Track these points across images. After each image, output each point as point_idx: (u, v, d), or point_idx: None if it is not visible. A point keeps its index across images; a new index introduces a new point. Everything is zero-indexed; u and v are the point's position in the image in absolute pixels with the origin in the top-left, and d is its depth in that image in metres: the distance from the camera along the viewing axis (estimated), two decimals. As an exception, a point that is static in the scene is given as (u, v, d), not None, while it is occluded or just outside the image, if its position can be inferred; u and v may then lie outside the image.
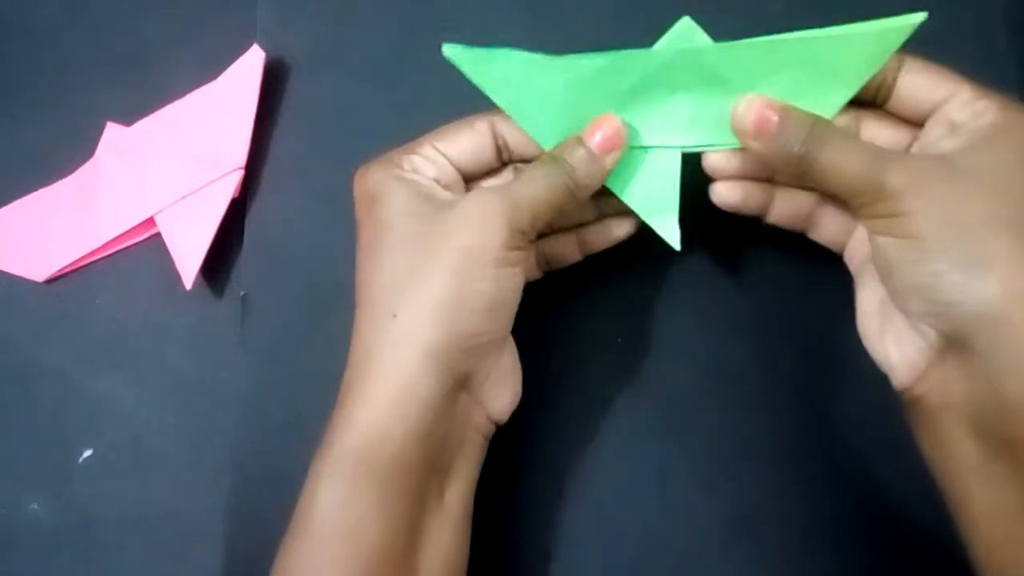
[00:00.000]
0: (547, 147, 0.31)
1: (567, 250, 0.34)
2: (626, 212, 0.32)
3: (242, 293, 0.38)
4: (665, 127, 0.31)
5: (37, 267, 0.40)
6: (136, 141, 0.41)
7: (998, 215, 0.26)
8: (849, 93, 0.29)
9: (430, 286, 0.28)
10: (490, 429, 0.31)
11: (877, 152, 0.28)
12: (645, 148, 0.31)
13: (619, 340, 0.36)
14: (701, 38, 0.30)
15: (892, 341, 0.29)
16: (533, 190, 0.29)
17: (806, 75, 0.29)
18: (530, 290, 0.34)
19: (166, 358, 0.39)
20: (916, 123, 0.30)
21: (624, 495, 0.35)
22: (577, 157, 0.29)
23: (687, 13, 0.30)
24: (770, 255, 0.36)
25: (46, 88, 0.43)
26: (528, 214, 0.29)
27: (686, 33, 0.30)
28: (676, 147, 0.31)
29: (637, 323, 0.36)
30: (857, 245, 0.31)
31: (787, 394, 0.35)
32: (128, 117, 0.41)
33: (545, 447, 0.35)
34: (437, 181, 0.30)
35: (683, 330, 0.36)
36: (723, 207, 0.32)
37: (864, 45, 0.28)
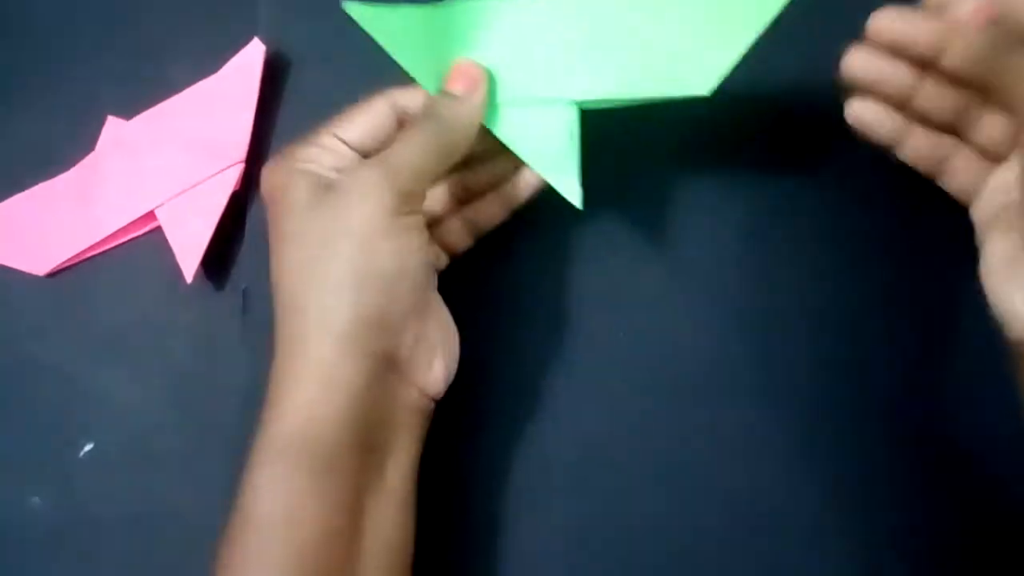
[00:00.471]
0: (433, 91, 0.31)
1: (491, 211, 0.34)
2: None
3: (243, 287, 0.38)
4: (559, 78, 0.30)
5: (38, 261, 0.40)
6: (137, 135, 0.40)
7: None
8: (747, 40, 0.27)
9: (327, 272, 0.28)
10: (426, 404, 0.30)
11: None
12: (541, 103, 0.31)
13: (621, 334, 0.36)
14: None
15: (1019, 293, 0.27)
16: (410, 148, 0.29)
17: (699, 19, 0.28)
18: (525, 285, 0.34)
19: (167, 352, 0.39)
20: None
21: (620, 490, 0.35)
22: (445, 105, 0.30)
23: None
24: (769, 245, 0.36)
25: (47, 82, 0.43)
26: (409, 173, 0.29)
27: None
28: (570, 100, 0.30)
29: (632, 315, 0.36)
30: (990, 197, 0.29)
31: (785, 387, 0.35)
32: (129, 111, 0.41)
33: (537, 441, 0.35)
34: (336, 169, 0.30)
35: (679, 323, 0.36)
36: (857, 126, 0.30)
37: None
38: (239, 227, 0.39)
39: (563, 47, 0.30)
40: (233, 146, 0.39)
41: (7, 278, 0.40)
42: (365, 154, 0.31)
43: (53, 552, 0.37)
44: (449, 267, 0.34)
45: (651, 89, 0.29)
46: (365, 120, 0.31)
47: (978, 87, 0.28)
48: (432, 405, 0.31)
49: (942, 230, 0.32)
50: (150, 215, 0.39)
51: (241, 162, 0.39)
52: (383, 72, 0.40)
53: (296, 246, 0.29)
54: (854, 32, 0.28)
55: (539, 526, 0.34)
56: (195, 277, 0.38)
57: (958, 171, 0.30)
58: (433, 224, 0.33)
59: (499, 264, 0.36)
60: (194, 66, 0.41)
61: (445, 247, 0.34)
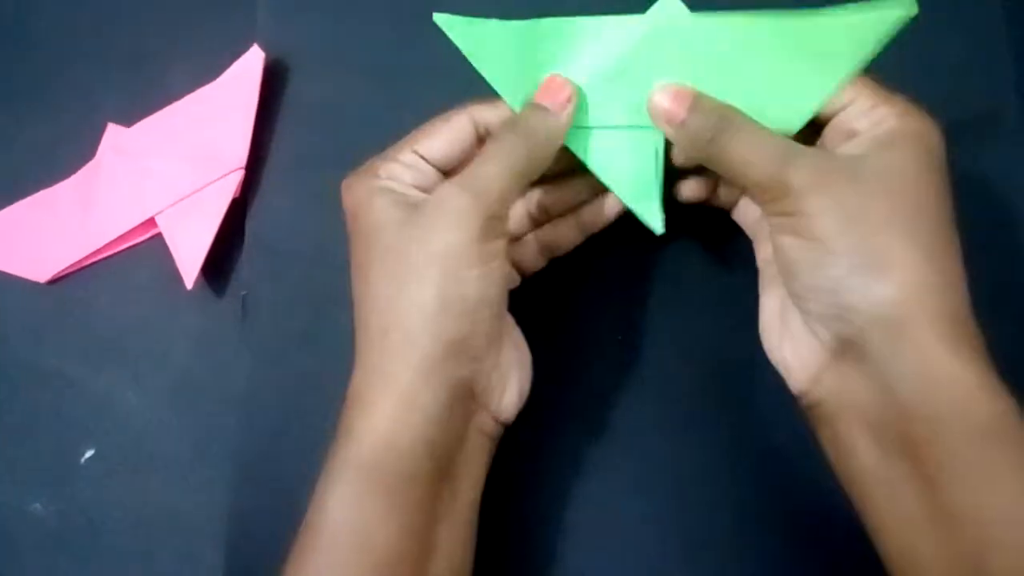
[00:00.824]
0: (518, 107, 0.31)
1: (567, 234, 0.34)
2: None
3: (243, 293, 0.38)
4: (647, 104, 0.30)
5: (38, 268, 0.40)
6: (137, 142, 0.41)
7: (897, 219, 0.26)
8: (835, 82, 0.28)
9: (413, 296, 0.27)
10: (497, 430, 0.30)
11: (785, 147, 0.27)
12: (626, 128, 0.31)
13: (619, 337, 0.36)
14: (683, 14, 0.29)
15: (789, 344, 0.29)
16: (496, 168, 0.29)
17: (790, 58, 0.28)
18: (530, 287, 0.34)
19: (167, 358, 0.39)
20: (816, 129, 0.29)
21: (628, 494, 0.35)
22: (532, 118, 0.29)
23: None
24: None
25: (47, 89, 0.43)
26: (497, 196, 0.28)
27: (667, 7, 0.29)
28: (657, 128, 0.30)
29: (638, 320, 0.36)
30: (763, 245, 0.32)
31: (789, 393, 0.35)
32: (129, 118, 0.41)
33: (545, 445, 0.35)
34: (417, 186, 0.30)
35: (684, 326, 0.36)
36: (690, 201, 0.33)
37: (853, 32, 0.27)
38: (239, 233, 0.39)
39: (653, 73, 0.30)
40: (233, 153, 0.39)
41: (8, 285, 0.40)
42: (445, 171, 0.31)
43: (54, 558, 0.37)
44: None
45: None
46: (446, 136, 0.31)
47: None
48: (501, 430, 0.31)
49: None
50: (150, 222, 0.39)
51: (241, 169, 0.39)
52: (383, 78, 0.40)
53: (382, 267, 0.28)
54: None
55: (542, 525, 0.35)
56: (195, 283, 0.38)
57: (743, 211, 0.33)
58: (508, 243, 0.33)
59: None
60: (194, 73, 0.41)
61: (518, 267, 0.34)
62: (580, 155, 0.31)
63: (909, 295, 0.25)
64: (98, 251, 0.40)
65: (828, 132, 0.29)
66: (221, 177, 0.39)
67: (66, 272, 0.40)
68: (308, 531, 0.27)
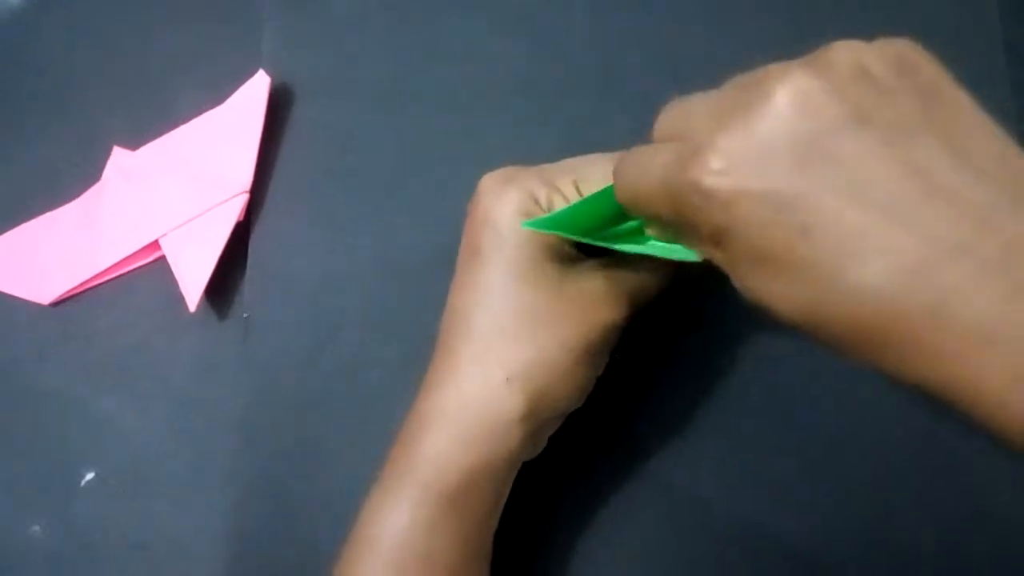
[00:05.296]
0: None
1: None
2: None
3: (245, 316, 0.38)
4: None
5: (42, 290, 0.40)
6: (142, 165, 0.41)
7: None
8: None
9: (543, 360, 0.28)
10: (520, 463, 0.31)
11: None
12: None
13: (617, 356, 0.36)
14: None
15: None
16: (655, 279, 0.29)
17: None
18: None
19: (169, 381, 0.39)
20: None
21: (626, 518, 0.35)
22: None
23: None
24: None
25: (53, 112, 0.43)
26: (643, 298, 0.29)
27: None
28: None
29: (636, 338, 0.36)
30: None
31: (792, 405, 0.35)
32: (134, 141, 0.41)
33: (543, 463, 0.35)
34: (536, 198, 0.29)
35: (682, 342, 0.36)
36: None
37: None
38: (242, 257, 0.39)
39: None
40: (237, 177, 0.39)
41: (11, 307, 0.41)
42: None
43: (53, 581, 0.37)
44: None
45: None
46: (608, 176, 0.28)
47: None
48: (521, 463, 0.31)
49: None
50: (154, 244, 0.40)
51: (245, 192, 0.39)
52: (387, 104, 0.40)
53: (500, 293, 0.28)
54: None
55: (541, 543, 0.34)
56: (198, 306, 0.38)
57: None
58: None
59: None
60: (199, 97, 0.41)
61: None
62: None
63: None
64: (101, 273, 0.40)
65: None
66: (225, 201, 0.39)
67: (69, 294, 0.40)
68: (365, 539, 0.28)
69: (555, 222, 0.27)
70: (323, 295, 0.38)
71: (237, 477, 0.37)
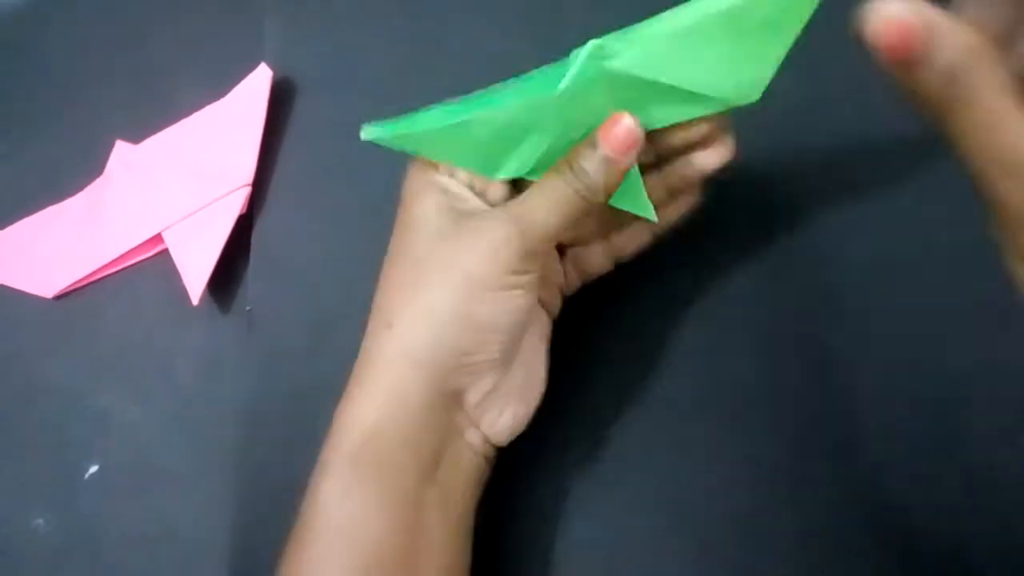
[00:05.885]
0: (498, 177, 0.30)
1: (638, 237, 0.33)
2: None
3: (248, 308, 0.39)
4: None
5: (46, 283, 0.41)
6: (145, 158, 0.41)
7: None
8: (784, 45, 0.27)
9: (427, 300, 0.28)
10: (487, 450, 0.30)
11: None
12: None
13: (614, 354, 0.36)
14: (614, 55, 0.28)
15: None
16: (546, 206, 0.28)
17: (732, 47, 0.27)
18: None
19: (173, 373, 0.39)
20: None
21: (625, 509, 0.35)
22: (593, 162, 0.28)
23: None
24: (770, 266, 0.36)
25: (56, 107, 0.43)
26: (540, 233, 0.28)
27: (597, 53, 0.28)
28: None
29: (635, 337, 0.36)
30: None
31: (791, 407, 0.35)
32: (137, 135, 0.41)
33: (543, 461, 0.35)
34: (471, 186, 0.30)
35: (682, 343, 0.36)
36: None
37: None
38: (245, 250, 0.39)
39: (606, 101, 0.28)
40: (239, 170, 0.39)
41: (15, 300, 0.41)
42: (512, 180, 0.31)
43: (56, 573, 0.37)
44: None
45: (703, 110, 0.29)
46: None
47: None
48: (494, 452, 0.31)
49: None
50: (157, 238, 0.40)
51: (247, 186, 0.39)
52: (388, 97, 0.40)
53: (407, 263, 0.29)
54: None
55: (542, 539, 0.34)
56: (201, 299, 0.38)
57: None
58: (576, 247, 0.33)
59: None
60: (202, 91, 0.41)
61: (583, 271, 0.34)
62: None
63: None
64: (105, 267, 0.40)
65: None
66: (228, 194, 0.39)
67: (73, 287, 0.41)
68: (301, 522, 0.28)
69: (398, 135, 0.29)
70: (326, 288, 0.38)
71: (240, 470, 0.37)
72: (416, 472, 0.28)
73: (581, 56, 0.28)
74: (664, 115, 0.29)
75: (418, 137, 0.30)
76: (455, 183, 0.30)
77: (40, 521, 0.38)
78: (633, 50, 0.27)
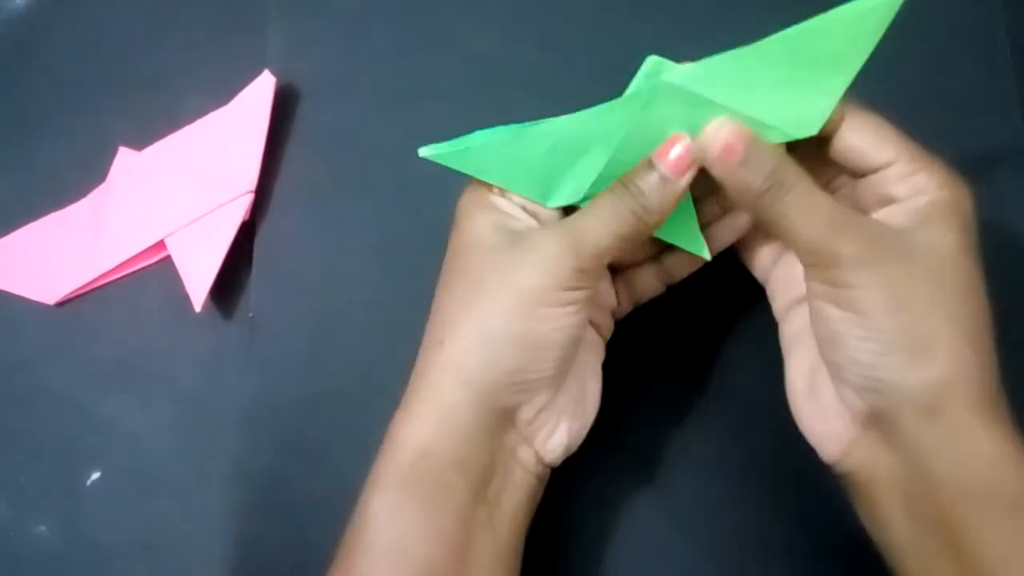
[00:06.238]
0: (551, 205, 0.30)
1: (648, 282, 0.33)
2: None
3: (250, 315, 0.38)
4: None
5: (48, 290, 0.40)
6: (148, 165, 0.41)
7: (940, 302, 0.26)
8: (845, 79, 0.27)
9: (478, 318, 0.28)
10: (541, 469, 0.30)
11: (838, 213, 0.27)
12: None
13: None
14: (671, 70, 0.29)
15: (819, 414, 0.29)
16: (600, 224, 0.28)
17: (793, 73, 0.28)
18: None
19: (175, 380, 0.39)
20: (855, 175, 0.29)
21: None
22: (649, 182, 0.28)
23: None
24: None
25: (59, 113, 0.43)
26: (594, 251, 0.28)
27: (655, 70, 0.29)
28: None
29: (639, 346, 0.36)
30: (787, 304, 0.31)
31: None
32: (140, 141, 0.41)
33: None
34: (524, 208, 0.30)
35: (687, 351, 0.36)
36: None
37: (850, 26, 0.27)
38: (248, 257, 0.39)
39: (663, 130, 0.29)
40: (243, 176, 0.39)
41: (17, 307, 0.41)
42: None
43: (59, 581, 0.37)
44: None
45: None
46: None
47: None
48: (547, 471, 0.31)
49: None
50: (160, 244, 0.40)
51: (250, 192, 0.39)
52: (391, 104, 0.40)
53: (461, 280, 0.29)
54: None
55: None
56: (204, 306, 0.38)
57: (771, 277, 0.32)
58: (627, 270, 0.33)
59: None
60: (205, 98, 0.41)
61: (634, 294, 0.34)
62: None
63: (949, 378, 0.25)
64: (107, 273, 0.40)
65: (862, 190, 0.29)
66: (231, 200, 0.39)
67: (75, 294, 0.41)
68: (351, 536, 0.28)
69: (456, 151, 0.29)
70: (329, 294, 0.38)
71: (242, 476, 0.37)
72: (466, 491, 0.28)
73: (641, 71, 0.29)
74: None
75: (474, 153, 0.30)
76: (508, 203, 0.30)
77: (42, 527, 0.38)
78: (692, 67, 0.28)
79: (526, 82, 0.40)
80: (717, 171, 0.28)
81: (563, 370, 0.29)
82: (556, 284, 0.28)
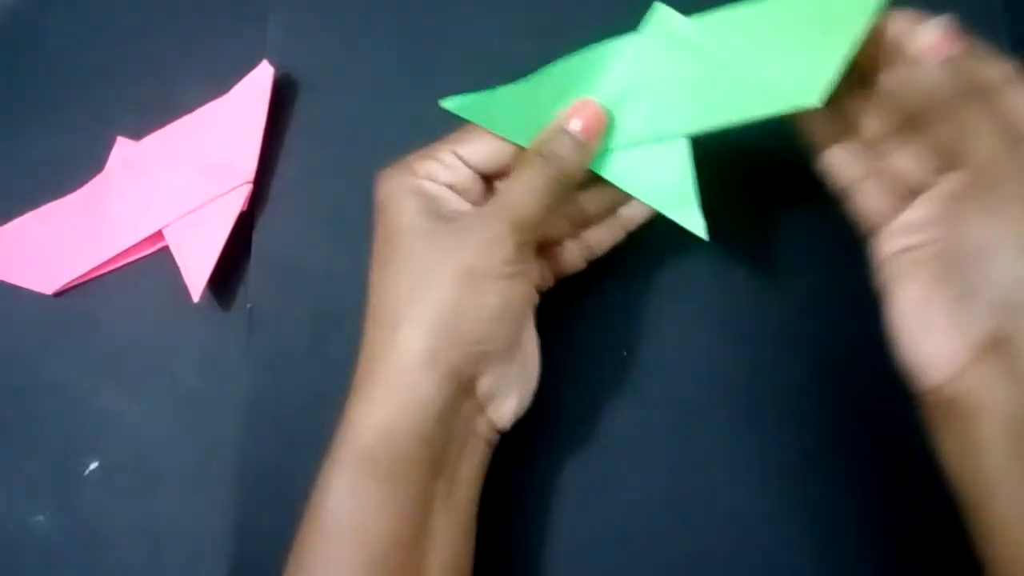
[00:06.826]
0: None
1: (606, 235, 0.34)
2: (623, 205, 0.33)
3: (249, 306, 0.38)
4: (665, 116, 0.30)
5: (46, 280, 0.40)
6: (146, 155, 0.41)
7: None
8: (847, 46, 0.27)
9: (433, 298, 0.28)
10: (494, 436, 0.31)
11: (1011, 130, 0.26)
12: (648, 141, 0.30)
13: (624, 353, 0.36)
14: (677, 20, 0.30)
15: (931, 339, 0.27)
16: (533, 198, 0.29)
17: (796, 34, 0.28)
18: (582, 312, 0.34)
19: (173, 371, 0.39)
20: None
21: (629, 503, 0.35)
22: (562, 145, 0.29)
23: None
24: (778, 263, 0.36)
25: (57, 102, 0.43)
26: (531, 224, 0.29)
27: (661, 19, 0.30)
28: (681, 135, 0.30)
29: (642, 333, 0.36)
30: (897, 235, 0.29)
31: (796, 404, 0.35)
32: (138, 131, 0.41)
33: (549, 456, 0.35)
34: (452, 187, 0.31)
35: (689, 340, 0.36)
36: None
37: None
38: (246, 247, 0.39)
39: (665, 85, 0.30)
40: (241, 167, 0.39)
41: (14, 296, 0.41)
42: (484, 173, 0.32)
43: (56, 570, 0.37)
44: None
45: (762, 108, 0.29)
46: (487, 141, 0.32)
47: (919, 122, 0.28)
48: (497, 437, 0.31)
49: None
50: (158, 235, 0.40)
51: (249, 183, 0.39)
52: (391, 95, 0.40)
53: (399, 267, 0.29)
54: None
55: (545, 534, 0.34)
56: (202, 296, 0.38)
57: (869, 200, 0.31)
58: (549, 247, 0.33)
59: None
60: (203, 88, 0.41)
61: (558, 269, 0.34)
62: (609, 178, 0.31)
63: None
64: (105, 263, 0.40)
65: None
66: (229, 191, 0.39)
67: (73, 284, 0.40)
68: (309, 518, 0.28)
69: (480, 102, 0.30)
70: (327, 285, 0.38)
71: (241, 467, 0.37)
72: (430, 467, 0.28)
73: (651, 14, 0.30)
74: (723, 109, 0.29)
75: (485, 101, 0.31)
76: (434, 186, 0.31)
77: (40, 517, 0.38)
78: (696, 19, 0.29)
79: (525, 74, 0.39)
80: (927, 63, 0.27)
81: (515, 338, 0.30)
82: (503, 260, 0.29)
